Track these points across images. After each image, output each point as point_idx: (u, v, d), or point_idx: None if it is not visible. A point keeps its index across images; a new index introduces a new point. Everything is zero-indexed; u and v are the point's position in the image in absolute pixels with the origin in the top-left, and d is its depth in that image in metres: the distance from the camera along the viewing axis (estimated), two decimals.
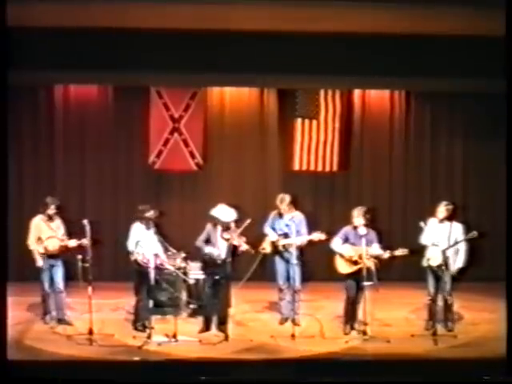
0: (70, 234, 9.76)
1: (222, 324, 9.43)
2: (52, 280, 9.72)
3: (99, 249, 10.06)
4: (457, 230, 9.56)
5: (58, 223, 9.79)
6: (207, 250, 9.47)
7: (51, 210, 9.68)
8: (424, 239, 9.63)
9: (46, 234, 9.66)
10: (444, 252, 9.29)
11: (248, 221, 9.33)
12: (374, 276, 9.19)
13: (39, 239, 9.64)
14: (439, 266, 9.34)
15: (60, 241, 9.63)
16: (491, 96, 11.56)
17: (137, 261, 9.47)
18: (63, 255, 9.75)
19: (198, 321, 9.76)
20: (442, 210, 9.62)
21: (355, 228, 9.47)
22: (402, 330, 9.79)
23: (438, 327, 9.35)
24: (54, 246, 9.63)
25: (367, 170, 13.36)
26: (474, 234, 9.26)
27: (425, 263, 9.61)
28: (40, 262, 9.64)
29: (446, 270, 9.32)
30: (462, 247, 9.53)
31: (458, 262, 9.53)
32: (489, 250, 12.12)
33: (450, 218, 9.66)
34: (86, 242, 9.32)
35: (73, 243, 9.53)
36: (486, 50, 10.27)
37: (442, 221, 9.59)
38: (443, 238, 9.43)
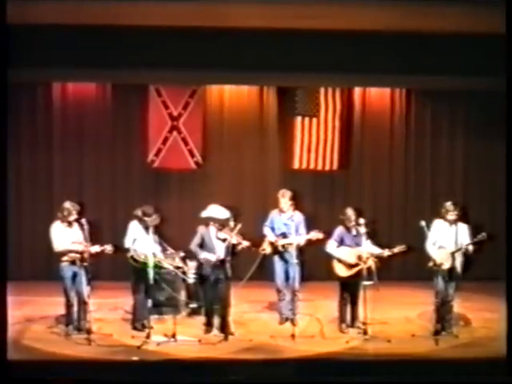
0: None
1: (222, 324, 9.39)
2: (76, 289, 9.19)
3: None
4: (463, 230, 9.34)
5: (76, 229, 9.26)
6: (203, 255, 9.40)
7: (72, 216, 9.19)
8: (431, 241, 9.33)
9: (68, 240, 9.16)
10: (453, 254, 9.21)
11: (239, 225, 9.26)
12: (374, 275, 9.16)
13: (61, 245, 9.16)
14: (450, 269, 9.24)
15: (83, 247, 9.09)
16: (492, 94, 11.54)
17: (133, 258, 9.41)
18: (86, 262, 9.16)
19: (198, 320, 9.72)
20: (453, 211, 9.30)
21: (348, 229, 9.43)
22: (402, 329, 9.77)
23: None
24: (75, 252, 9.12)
25: (367, 169, 13.33)
26: (484, 235, 9.11)
27: (431, 264, 9.34)
28: (64, 270, 9.18)
29: (455, 272, 9.26)
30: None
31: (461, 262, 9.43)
32: (489, 249, 12.05)
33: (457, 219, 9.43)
34: (109, 248, 9.13)
35: (96, 249, 9.14)
36: (486, 48, 10.23)
37: (451, 223, 9.32)
38: (451, 240, 9.25)
